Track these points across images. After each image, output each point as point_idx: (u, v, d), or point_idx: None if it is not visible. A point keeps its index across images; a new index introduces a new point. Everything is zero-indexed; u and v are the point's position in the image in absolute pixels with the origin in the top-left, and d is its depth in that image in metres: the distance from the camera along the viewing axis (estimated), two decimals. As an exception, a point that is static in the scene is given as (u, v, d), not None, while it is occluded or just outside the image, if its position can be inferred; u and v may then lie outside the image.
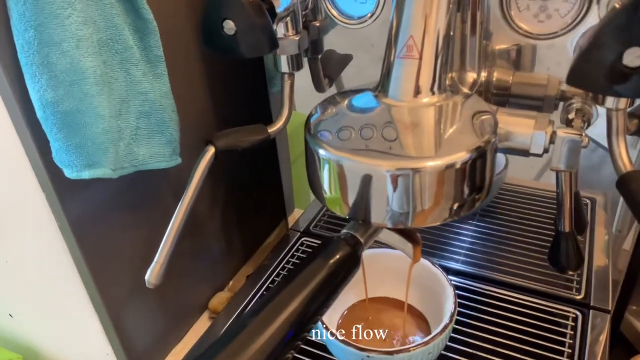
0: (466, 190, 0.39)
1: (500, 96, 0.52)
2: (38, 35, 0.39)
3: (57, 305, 0.58)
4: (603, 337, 0.57)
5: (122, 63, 0.45)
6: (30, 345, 0.67)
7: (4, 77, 0.40)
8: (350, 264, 0.39)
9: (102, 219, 0.52)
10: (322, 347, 0.57)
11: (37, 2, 0.38)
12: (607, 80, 0.38)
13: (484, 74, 0.51)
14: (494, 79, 0.52)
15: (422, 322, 0.60)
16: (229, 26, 0.47)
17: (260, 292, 0.68)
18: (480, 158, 0.38)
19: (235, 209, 0.74)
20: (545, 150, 0.41)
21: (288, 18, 0.51)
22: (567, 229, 0.48)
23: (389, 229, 0.45)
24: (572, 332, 0.58)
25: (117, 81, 0.45)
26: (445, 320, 0.52)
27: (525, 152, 0.42)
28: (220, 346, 0.33)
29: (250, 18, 0.46)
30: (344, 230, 0.41)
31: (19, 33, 0.39)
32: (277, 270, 0.71)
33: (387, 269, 0.61)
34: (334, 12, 0.55)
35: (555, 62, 0.50)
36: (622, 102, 0.42)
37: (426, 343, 0.49)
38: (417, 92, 0.41)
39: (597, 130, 0.46)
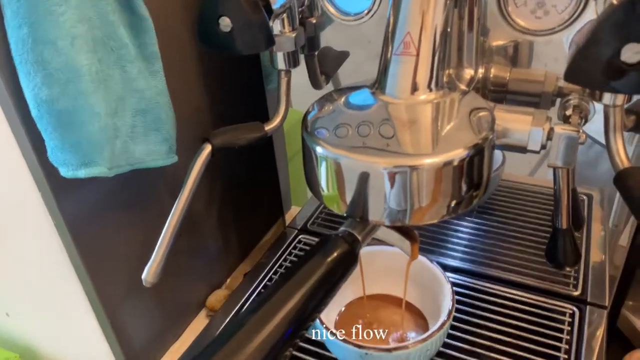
0: (464, 188, 0.39)
1: (498, 93, 0.52)
2: (32, 33, 0.38)
3: (54, 304, 0.58)
4: (600, 333, 0.57)
5: (117, 61, 0.45)
6: (27, 344, 0.67)
7: (-2, 75, 0.40)
8: (348, 262, 0.39)
9: (98, 218, 0.52)
10: (320, 344, 0.57)
11: (31, -1, 0.38)
12: (604, 76, 0.38)
13: (481, 71, 0.51)
14: (491, 75, 0.52)
15: (420, 319, 0.60)
16: (225, 23, 0.46)
17: (258, 290, 0.68)
18: (477, 155, 0.38)
19: (232, 206, 0.74)
20: (543, 147, 0.41)
21: (284, 15, 0.50)
22: (564, 226, 0.48)
23: (386, 226, 0.45)
24: (569, 328, 0.58)
25: (113, 79, 0.45)
26: (443, 317, 0.52)
27: (522, 149, 0.42)
28: (218, 345, 0.33)
29: (246, 15, 0.46)
30: (342, 228, 0.41)
31: (13, 30, 0.38)
32: (274, 268, 0.71)
33: (384, 267, 0.61)
34: (331, 9, 0.55)
35: (552, 58, 0.50)
36: (620, 99, 0.42)
37: (424, 340, 0.50)
38: (415, 89, 0.41)
39: (594, 126, 0.46)
